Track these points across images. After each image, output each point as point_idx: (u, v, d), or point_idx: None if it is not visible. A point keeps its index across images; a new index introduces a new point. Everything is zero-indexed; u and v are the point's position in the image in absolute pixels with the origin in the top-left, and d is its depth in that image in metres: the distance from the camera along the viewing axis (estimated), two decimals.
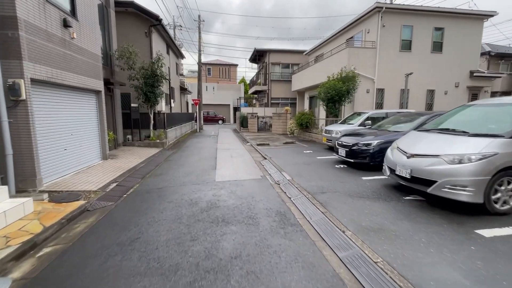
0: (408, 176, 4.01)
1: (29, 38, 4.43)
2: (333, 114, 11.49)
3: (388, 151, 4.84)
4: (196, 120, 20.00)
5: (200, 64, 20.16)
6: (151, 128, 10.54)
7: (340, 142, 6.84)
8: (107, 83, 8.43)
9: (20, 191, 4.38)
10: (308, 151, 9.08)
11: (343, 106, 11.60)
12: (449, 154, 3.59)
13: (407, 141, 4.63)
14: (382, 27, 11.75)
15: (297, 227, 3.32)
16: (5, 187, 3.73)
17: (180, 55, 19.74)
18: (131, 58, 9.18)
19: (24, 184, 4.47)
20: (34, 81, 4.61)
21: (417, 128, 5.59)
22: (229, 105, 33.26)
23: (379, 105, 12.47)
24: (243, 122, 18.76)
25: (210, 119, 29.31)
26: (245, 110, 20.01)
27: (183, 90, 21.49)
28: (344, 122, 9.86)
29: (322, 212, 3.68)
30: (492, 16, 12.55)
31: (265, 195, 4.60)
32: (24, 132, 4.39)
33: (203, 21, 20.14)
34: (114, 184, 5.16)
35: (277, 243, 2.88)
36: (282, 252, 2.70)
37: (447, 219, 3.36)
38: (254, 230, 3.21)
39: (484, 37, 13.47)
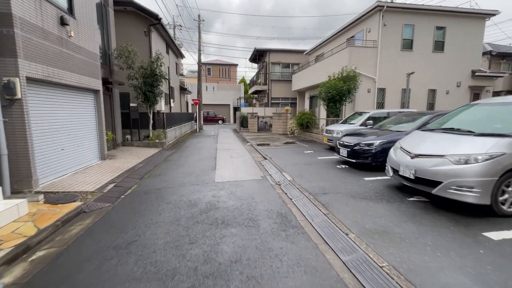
0: (412, 177, 3.91)
1: (24, 35, 4.33)
2: (334, 114, 11.40)
3: (391, 151, 4.74)
4: (196, 120, 19.90)
5: (200, 63, 20.07)
6: (150, 128, 10.45)
7: (341, 142, 6.75)
8: (106, 83, 8.35)
9: (15, 192, 4.29)
10: (309, 151, 8.99)
11: (344, 106, 11.51)
12: (455, 154, 3.50)
13: (410, 141, 4.53)
14: (383, 26, 11.66)
15: (299, 229, 3.23)
16: None
17: (179, 55, 19.65)
18: (130, 57, 9.09)
19: (20, 185, 4.38)
20: (30, 80, 4.52)
21: (420, 127, 5.50)
22: (229, 105, 33.16)
23: (380, 105, 12.37)
24: (243, 122, 18.66)
25: (210, 119, 29.22)
26: (245, 110, 19.92)
27: (183, 90, 21.40)
28: (345, 122, 9.77)
29: (324, 214, 3.59)
30: (494, 15, 12.46)
31: (266, 196, 4.51)
32: (20, 132, 4.30)
33: (203, 20, 20.06)
34: (112, 185, 5.06)
35: (279, 246, 2.79)
36: (284, 256, 2.61)
37: (453, 221, 3.27)
38: (254, 232, 3.11)
39: (485, 37, 13.38)
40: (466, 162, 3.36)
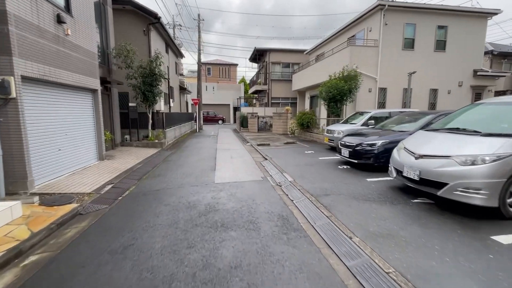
0: (416, 178, 3.82)
1: (19, 33, 4.23)
2: (335, 113, 11.30)
3: (394, 152, 4.64)
4: (195, 120, 19.80)
5: (199, 63, 19.95)
6: (150, 128, 10.36)
7: (343, 142, 6.65)
8: (104, 82, 8.24)
9: (10, 193, 4.19)
10: (310, 152, 8.89)
11: (345, 106, 11.41)
12: (461, 155, 3.40)
13: (414, 141, 4.44)
14: (384, 25, 11.56)
15: (301, 232, 3.13)
16: None
17: (179, 55, 19.55)
18: (129, 56, 8.99)
19: (15, 186, 4.28)
20: (25, 79, 4.42)
21: (424, 127, 5.40)
22: (229, 105, 33.06)
23: (382, 105, 12.27)
24: (243, 122, 18.56)
25: (210, 119, 29.12)
26: (245, 110, 19.82)
27: (183, 89, 21.29)
28: (346, 121, 9.67)
29: (327, 216, 3.49)
30: (496, 14, 12.35)
31: (266, 197, 4.41)
32: (14, 132, 4.19)
33: (203, 20, 19.94)
34: (110, 186, 4.96)
35: (280, 251, 2.69)
36: (286, 261, 2.51)
37: (460, 224, 3.17)
38: (255, 236, 3.02)
39: (486, 36, 13.25)
40: (473, 163, 3.26)
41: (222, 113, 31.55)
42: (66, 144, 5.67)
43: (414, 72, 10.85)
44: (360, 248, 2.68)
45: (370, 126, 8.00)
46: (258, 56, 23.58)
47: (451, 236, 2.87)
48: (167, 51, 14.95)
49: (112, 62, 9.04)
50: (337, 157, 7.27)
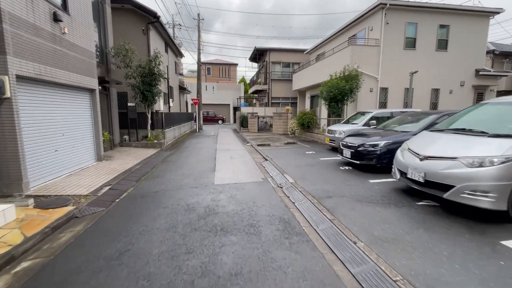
0: (421, 180, 3.71)
1: (14, 31, 4.13)
2: (336, 113, 11.20)
3: (398, 153, 4.54)
4: (195, 120, 19.69)
5: (199, 63, 19.84)
6: (149, 128, 10.26)
7: (344, 143, 6.55)
8: (103, 82, 8.15)
9: (5, 195, 4.09)
10: (311, 152, 8.79)
11: (345, 106, 11.31)
12: (468, 157, 3.30)
13: (418, 142, 4.34)
14: (386, 24, 11.45)
15: (303, 236, 3.03)
16: None
17: (179, 54, 19.44)
18: (128, 55, 8.89)
19: (10, 188, 4.18)
20: (20, 78, 4.31)
21: (428, 128, 5.30)
22: (229, 104, 32.94)
23: (383, 105, 12.17)
24: (243, 122, 18.46)
25: (210, 119, 29.01)
26: (245, 110, 19.71)
27: (182, 89, 21.18)
28: (347, 121, 9.57)
29: (330, 220, 3.39)
30: (498, 13, 12.25)
31: (267, 199, 4.31)
32: (9, 133, 4.09)
33: (203, 19, 19.83)
34: (107, 188, 4.86)
35: (282, 256, 2.59)
36: (288, 268, 2.41)
37: (467, 227, 3.07)
38: (256, 240, 2.91)
39: (488, 35, 13.14)
40: (481, 165, 3.16)
41: (222, 113, 31.44)
42: (63, 145, 5.57)
43: (415, 72, 10.75)
44: (365, 254, 2.58)
45: (372, 127, 7.90)
46: (258, 55, 23.47)
47: (459, 241, 2.77)
48: (166, 51, 14.84)
49: (110, 62, 8.93)
50: (338, 157, 7.16)
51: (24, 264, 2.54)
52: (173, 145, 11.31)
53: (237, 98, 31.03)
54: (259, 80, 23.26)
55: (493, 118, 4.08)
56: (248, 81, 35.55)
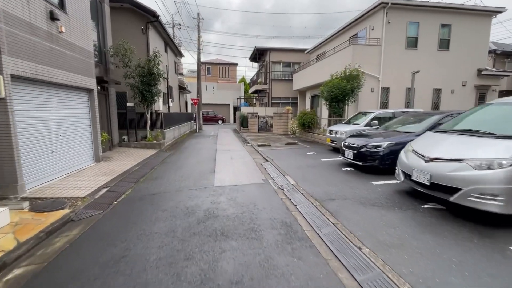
0: (426, 183, 3.62)
1: (9, 30, 4.03)
2: (337, 113, 11.10)
3: (402, 154, 4.44)
4: (195, 120, 19.59)
5: (199, 63, 19.74)
6: (148, 128, 10.15)
7: (346, 144, 6.45)
8: (101, 81, 8.04)
9: None
10: (312, 153, 8.69)
11: (347, 106, 11.21)
12: (475, 159, 3.20)
13: (423, 143, 4.24)
14: (387, 23, 11.35)
15: (306, 241, 2.93)
16: None
17: (179, 54, 19.34)
18: (127, 55, 8.78)
19: (5, 191, 4.08)
20: (15, 78, 4.21)
21: (432, 128, 5.21)
22: (229, 104, 32.83)
23: (384, 105, 12.06)
24: (243, 122, 18.36)
25: (210, 119, 28.90)
26: (245, 110, 19.61)
27: (182, 89, 21.09)
28: (348, 122, 9.47)
29: (333, 224, 3.29)
30: (500, 12, 12.15)
31: (268, 202, 4.21)
32: (3, 134, 3.99)
33: (202, 19, 19.73)
34: (105, 190, 4.76)
35: (284, 263, 2.49)
36: (291, 275, 2.31)
37: (476, 232, 2.98)
38: (257, 246, 2.82)
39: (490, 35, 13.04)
40: (489, 168, 3.06)
41: (222, 113, 31.33)
42: (60, 146, 5.47)
43: (417, 72, 10.65)
44: (371, 260, 2.48)
45: (373, 127, 7.80)
46: (258, 55, 23.36)
47: (468, 247, 2.67)
48: (166, 50, 14.75)
49: (109, 61, 8.83)
50: (340, 158, 7.07)
51: (17, 272, 2.44)
52: (172, 145, 11.21)
53: (237, 98, 30.93)
54: (259, 80, 23.16)
55: (499, 119, 3.98)
56: (248, 81, 35.45)
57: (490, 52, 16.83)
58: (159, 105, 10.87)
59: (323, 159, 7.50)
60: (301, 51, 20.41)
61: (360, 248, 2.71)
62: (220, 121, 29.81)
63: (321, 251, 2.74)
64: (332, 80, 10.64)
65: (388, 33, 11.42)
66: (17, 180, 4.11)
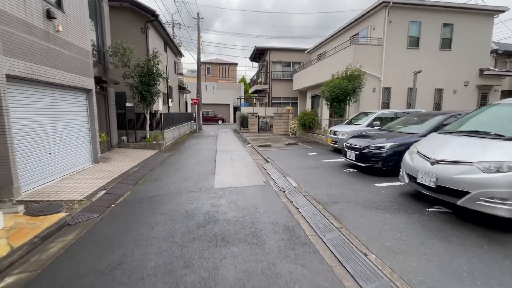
0: (432, 185, 3.52)
1: (4, 29, 3.93)
2: (338, 114, 11.00)
3: (406, 156, 4.35)
4: (195, 120, 19.49)
5: (199, 62, 19.63)
6: (147, 128, 10.05)
7: (348, 145, 6.35)
8: (100, 81, 7.94)
9: None
10: (313, 153, 8.59)
11: (348, 106, 11.11)
12: (484, 161, 3.10)
13: (428, 144, 4.14)
14: (388, 23, 11.25)
15: (309, 247, 2.84)
16: None
17: (178, 54, 19.24)
18: (126, 55, 8.67)
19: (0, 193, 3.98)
20: (11, 78, 4.12)
21: (436, 129, 5.12)
22: (229, 104, 32.73)
23: (386, 105, 11.97)
24: (243, 122, 18.26)
25: (210, 119, 28.79)
26: (245, 110, 19.51)
27: (182, 89, 20.99)
28: (350, 122, 9.37)
29: (337, 228, 3.20)
30: (503, 11, 12.05)
31: (270, 205, 4.11)
32: None
33: (202, 18, 19.63)
34: (103, 192, 4.67)
35: (288, 271, 2.40)
36: (295, 284, 2.21)
37: (485, 237, 2.88)
38: (259, 252, 2.72)
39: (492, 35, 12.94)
40: (498, 171, 2.96)
41: (222, 113, 31.22)
42: (58, 147, 5.37)
43: (419, 72, 10.54)
44: (378, 268, 2.38)
45: (375, 128, 7.70)
46: (259, 55, 23.26)
47: (478, 253, 2.57)
48: (165, 50, 14.64)
49: (108, 61, 8.73)
50: (341, 159, 6.98)
51: (9, 280, 2.34)
52: (172, 146, 11.11)
53: (237, 98, 30.83)
54: (260, 79, 23.05)
55: (506, 120, 3.87)
56: (248, 81, 35.33)
57: (491, 52, 16.71)
58: (159, 105, 10.77)
59: (324, 160, 7.41)
60: (302, 50, 20.31)
61: (366, 254, 2.61)
62: (220, 121, 29.70)
63: (325, 257, 2.64)
64: (333, 80, 10.54)
65: (389, 32, 11.32)
66: (12, 182, 4.01)
